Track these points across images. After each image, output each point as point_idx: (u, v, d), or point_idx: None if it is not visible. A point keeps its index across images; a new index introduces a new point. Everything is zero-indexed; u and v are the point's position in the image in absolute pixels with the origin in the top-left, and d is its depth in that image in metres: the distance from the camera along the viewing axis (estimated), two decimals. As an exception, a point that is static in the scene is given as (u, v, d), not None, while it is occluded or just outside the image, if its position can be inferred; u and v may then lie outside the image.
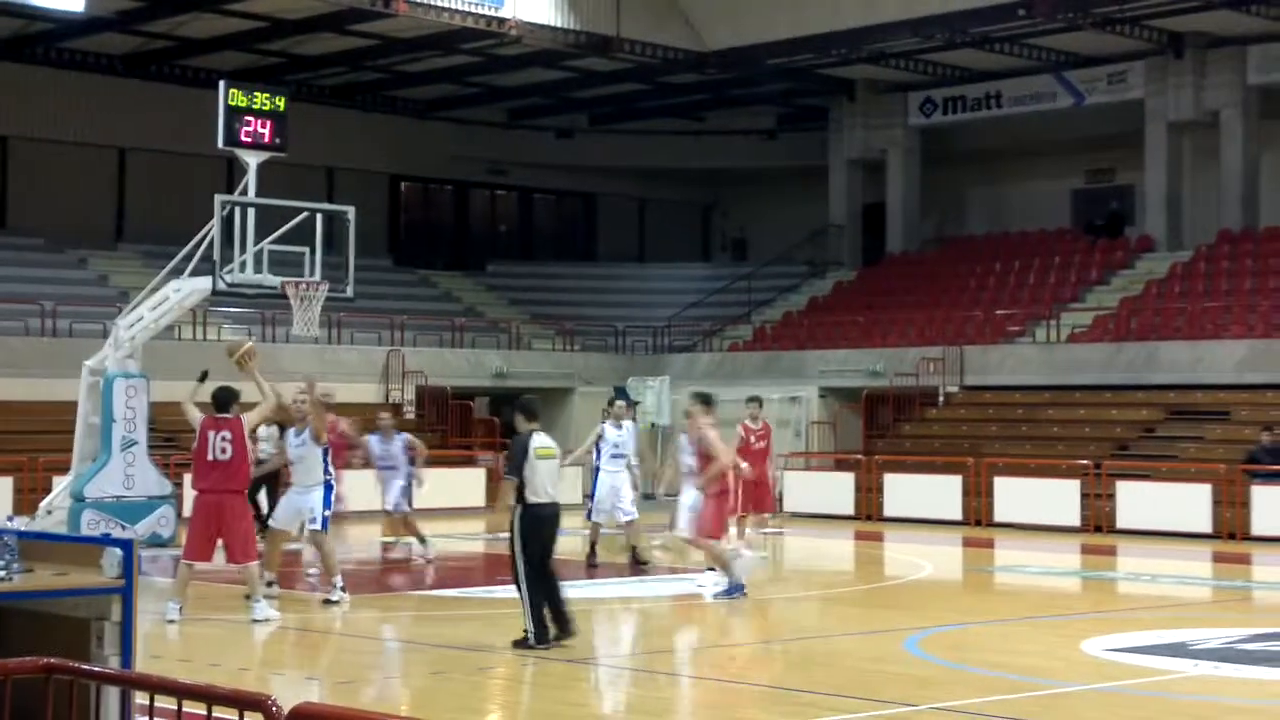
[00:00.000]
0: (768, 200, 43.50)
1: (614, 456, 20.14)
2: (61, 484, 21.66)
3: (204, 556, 15.00)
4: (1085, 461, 27.31)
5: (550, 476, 13.44)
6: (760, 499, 22.64)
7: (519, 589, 13.34)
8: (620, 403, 20.81)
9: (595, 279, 42.50)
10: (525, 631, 13.24)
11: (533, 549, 13.21)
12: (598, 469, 20.30)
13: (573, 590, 17.87)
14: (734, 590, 16.86)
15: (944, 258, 38.92)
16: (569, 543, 21.21)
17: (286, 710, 5.04)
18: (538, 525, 13.35)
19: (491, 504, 30.81)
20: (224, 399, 15.25)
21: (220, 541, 14.98)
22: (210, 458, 14.83)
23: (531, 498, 13.29)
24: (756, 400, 23.64)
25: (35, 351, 28.88)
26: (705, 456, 16.73)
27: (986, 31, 33.63)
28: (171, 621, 14.59)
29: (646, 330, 38.69)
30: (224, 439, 14.92)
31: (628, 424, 20.27)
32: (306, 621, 15.92)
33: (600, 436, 20.24)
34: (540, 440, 13.46)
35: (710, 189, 45.48)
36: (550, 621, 13.34)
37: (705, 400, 17.24)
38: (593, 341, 38.42)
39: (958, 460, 28.31)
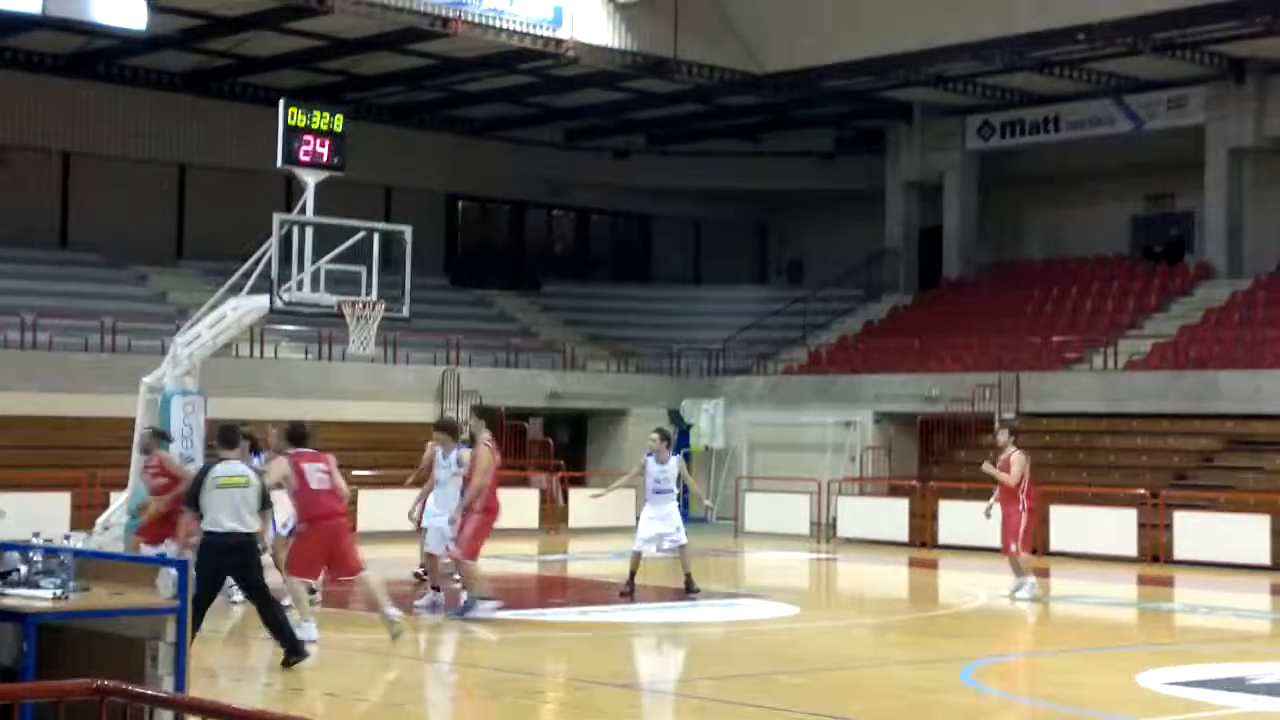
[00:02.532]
0: (824, 223, 43.40)
1: (656, 492, 19.83)
2: (118, 501, 21.72)
3: (314, 575, 15.92)
4: (1142, 491, 27.07)
5: (229, 507, 13.36)
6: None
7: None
8: (654, 438, 20.49)
9: (650, 300, 42.47)
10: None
11: (203, 577, 12.66)
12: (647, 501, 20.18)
13: (615, 616, 17.86)
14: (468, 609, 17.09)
15: (1001, 283, 38.71)
16: (616, 566, 21.16)
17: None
18: (210, 555, 13.38)
19: (546, 526, 30.91)
20: (298, 434, 15.93)
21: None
22: (315, 487, 15.25)
23: (209, 527, 13.43)
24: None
25: (94, 368, 29.05)
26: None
27: (1046, 55, 33.46)
28: (313, 641, 14.63)
29: (701, 352, 38.63)
30: (320, 470, 15.36)
31: (671, 459, 19.92)
32: (361, 643, 15.92)
33: (644, 469, 20.13)
34: (225, 470, 13.53)
35: (766, 211, 45.42)
36: (278, 643, 13.61)
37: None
38: (647, 363, 38.38)
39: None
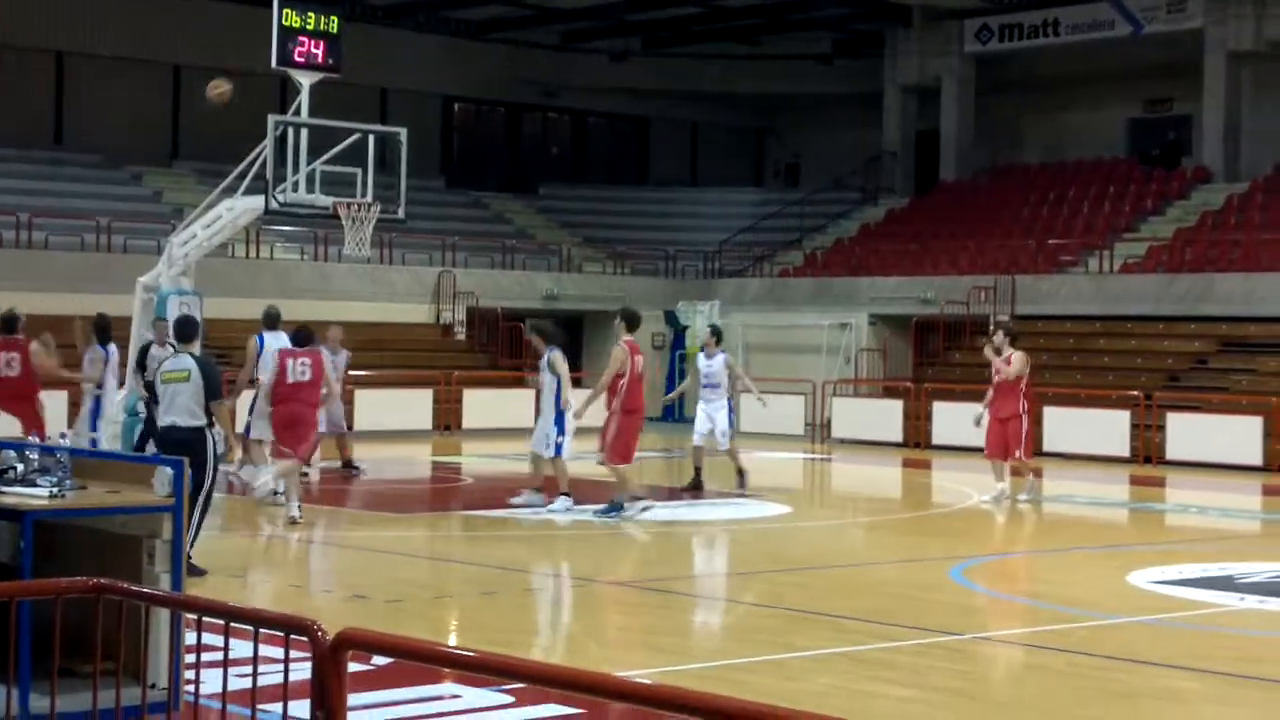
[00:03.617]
0: (822, 126, 43.26)
1: (706, 386, 20.32)
2: (116, 398, 21.78)
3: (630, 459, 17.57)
4: (1136, 393, 27.19)
5: (167, 400, 13.05)
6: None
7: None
8: (705, 332, 21.05)
9: (647, 203, 42.42)
10: None
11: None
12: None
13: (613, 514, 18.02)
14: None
15: (997, 186, 38.66)
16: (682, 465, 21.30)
17: (332, 634, 5.10)
18: (157, 447, 13.44)
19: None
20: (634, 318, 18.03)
21: None
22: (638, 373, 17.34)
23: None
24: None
25: (89, 267, 29.09)
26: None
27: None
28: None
29: (697, 255, 38.63)
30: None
31: (718, 355, 20.26)
32: (359, 540, 16.08)
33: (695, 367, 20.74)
34: (172, 364, 13.31)
35: (764, 114, 45.23)
36: None
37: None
38: (643, 265, 38.40)
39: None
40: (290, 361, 16.83)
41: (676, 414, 35.62)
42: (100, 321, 19.83)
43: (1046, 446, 26.94)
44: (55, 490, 8.30)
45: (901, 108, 40.26)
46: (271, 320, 19.28)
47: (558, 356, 17.91)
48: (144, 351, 18.49)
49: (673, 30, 41.43)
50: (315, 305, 29.69)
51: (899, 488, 25.14)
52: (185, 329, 13.57)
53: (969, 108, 39.38)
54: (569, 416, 17.68)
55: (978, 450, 27.32)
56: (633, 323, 17.95)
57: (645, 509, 17.55)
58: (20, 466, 8.59)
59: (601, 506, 17.47)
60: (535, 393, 19.86)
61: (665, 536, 17.22)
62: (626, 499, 17.41)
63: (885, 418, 29.90)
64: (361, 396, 28.21)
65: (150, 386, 14.25)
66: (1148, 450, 26.25)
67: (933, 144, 39.81)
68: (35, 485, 8.39)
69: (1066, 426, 27.08)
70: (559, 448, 17.71)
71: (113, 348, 19.91)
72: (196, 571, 12.02)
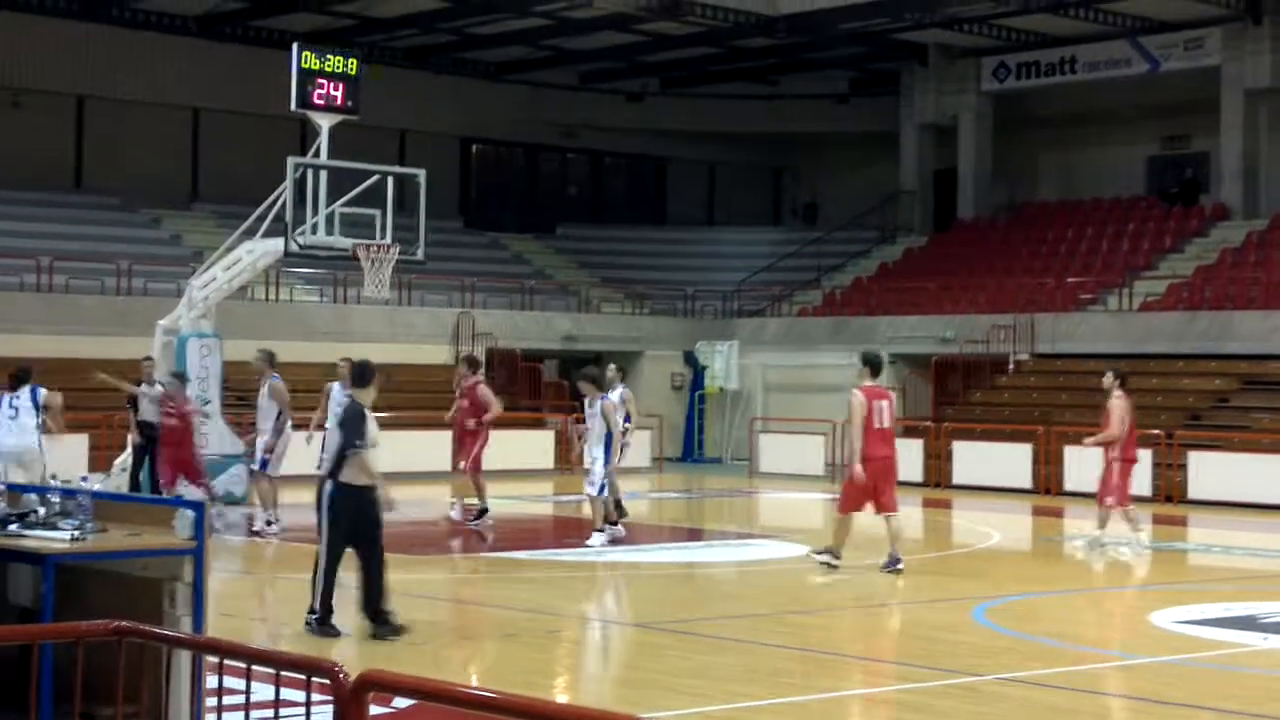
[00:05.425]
0: (839, 165, 43.31)
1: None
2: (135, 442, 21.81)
3: (859, 509, 16.63)
4: (1157, 431, 27.06)
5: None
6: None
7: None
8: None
9: (665, 243, 42.45)
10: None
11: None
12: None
13: (629, 556, 17.95)
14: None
15: (1016, 224, 38.64)
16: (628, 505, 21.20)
17: (354, 676, 5.08)
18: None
19: (560, 466, 31.03)
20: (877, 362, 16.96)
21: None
22: (877, 425, 16.13)
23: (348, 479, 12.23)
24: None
25: (109, 310, 29.16)
26: None
27: (1063, -4, 33.29)
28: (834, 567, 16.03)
29: (715, 295, 38.63)
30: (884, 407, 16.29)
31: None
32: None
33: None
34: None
35: (782, 153, 45.29)
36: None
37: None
38: (661, 305, 38.41)
39: (1028, 428, 28.14)
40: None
41: (696, 453, 35.63)
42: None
43: (1069, 486, 26.87)
44: (77, 534, 8.30)
45: (919, 146, 40.29)
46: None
47: (609, 405, 17.91)
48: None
49: (690, 71, 41.54)
50: (334, 347, 29.68)
51: (920, 528, 25.02)
52: (364, 374, 12.79)
53: (986, 146, 39.40)
54: (614, 460, 17.83)
55: (999, 490, 27.35)
56: (875, 367, 16.96)
57: (825, 561, 16.59)
58: (42, 510, 8.60)
59: (819, 549, 16.94)
60: (578, 436, 19.83)
61: (685, 578, 17.17)
62: (836, 549, 16.64)
63: (905, 457, 29.64)
64: (381, 438, 28.18)
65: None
66: (1169, 489, 26.13)
67: (950, 182, 39.82)
68: (57, 529, 8.39)
69: (1087, 465, 26.92)
70: (602, 487, 17.76)
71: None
72: (392, 629, 11.88)
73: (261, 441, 18.87)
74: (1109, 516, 19.13)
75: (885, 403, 16.51)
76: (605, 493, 17.99)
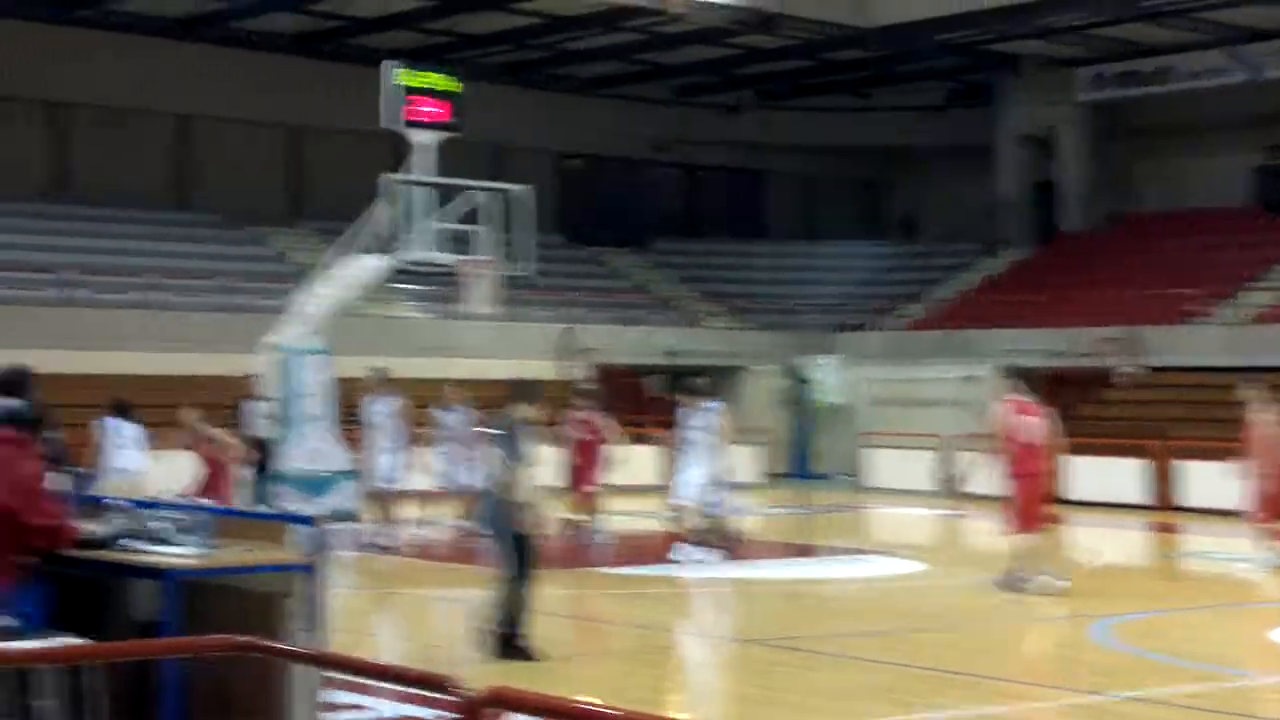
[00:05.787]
0: (935, 177, 42.95)
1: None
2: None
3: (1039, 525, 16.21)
4: (1272, 445, 26.55)
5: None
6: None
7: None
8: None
9: (764, 256, 42.24)
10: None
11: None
12: None
13: (742, 572, 17.79)
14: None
15: (1119, 236, 38.13)
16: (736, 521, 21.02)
17: (478, 692, 4.97)
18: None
19: (666, 482, 30.88)
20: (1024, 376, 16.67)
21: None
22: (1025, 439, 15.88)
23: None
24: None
25: (213, 327, 29.34)
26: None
27: (1157, 5, 32.80)
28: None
29: (817, 308, 38.39)
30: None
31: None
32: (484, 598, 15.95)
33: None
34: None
35: (879, 166, 44.97)
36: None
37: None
38: (763, 320, 38.22)
39: (1139, 443, 27.67)
40: None
41: (804, 468, 35.38)
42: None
43: (1181, 501, 26.42)
44: (197, 549, 8.28)
45: (1016, 158, 39.87)
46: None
47: (719, 415, 17.72)
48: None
49: (784, 83, 41.38)
50: (440, 363, 29.78)
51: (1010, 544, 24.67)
52: (527, 392, 12.57)
53: (1086, 156, 38.95)
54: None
55: (1111, 506, 26.92)
56: (1023, 381, 16.78)
57: (1026, 584, 15.98)
58: (162, 526, 8.57)
59: (999, 578, 16.31)
60: (673, 448, 19.49)
61: (799, 595, 17.00)
62: (1027, 573, 16.07)
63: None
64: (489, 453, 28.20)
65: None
66: (1284, 504, 25.58)
67: (1049, 193, 39.38)
68: (177, 544, 8.37)
69: (1202, 481, 26.46)
70: (716, 503, 17.60)
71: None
72: (524, 655, 11.61)
73: (386, 459, 18.87)
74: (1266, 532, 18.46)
75: (1034, 418, 16.07)
76: (716, 508, 17.69)
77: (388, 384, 19.21)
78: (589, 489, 20.54)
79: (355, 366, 25.65)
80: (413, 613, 15.49)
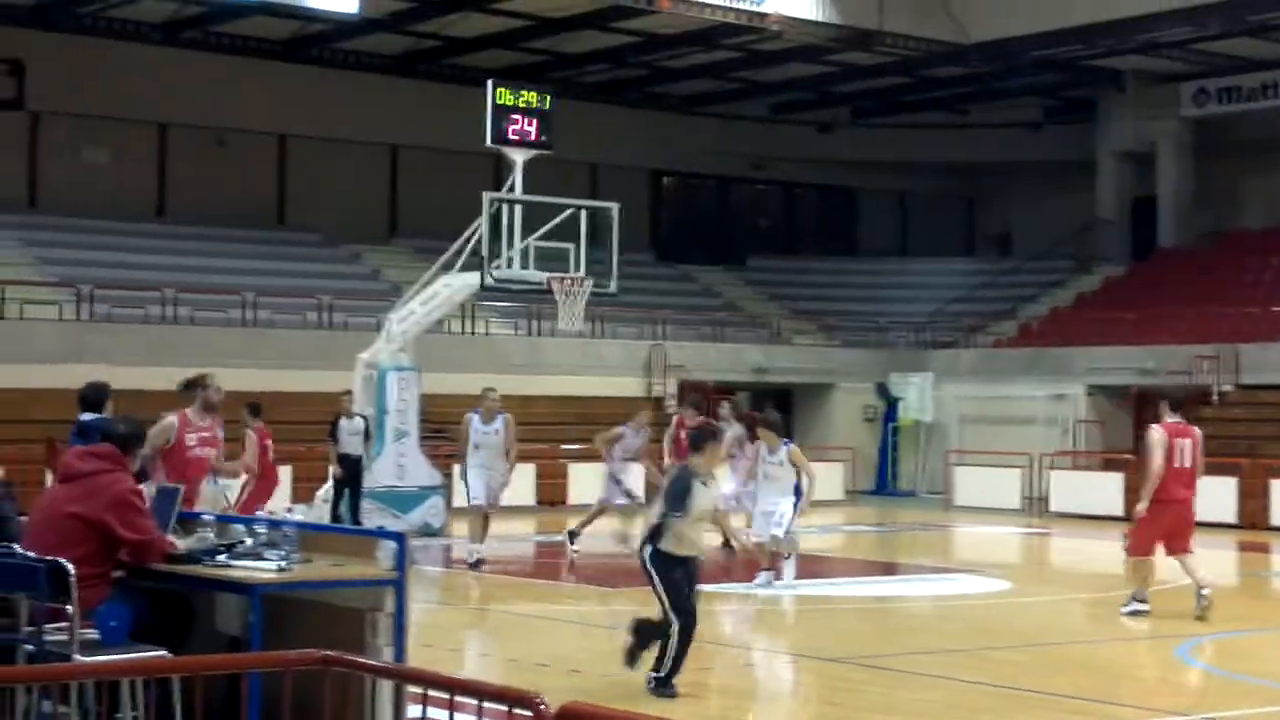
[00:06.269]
0: (1032, 194, 42.72)
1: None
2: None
3: (1152, 552, 15.68)
4: (1368, 464, 26.30)
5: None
6: None
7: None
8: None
9: (856, 274, 42.21)
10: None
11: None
12: None
13: (822, 589, 17.81)
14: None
15: (1218, 252, 37.78)
16: (825, 540, 21.02)
17: (555, 708, 5.10)
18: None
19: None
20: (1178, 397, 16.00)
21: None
22: (1178, 464, 15.32)
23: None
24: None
25: (311, 344, 29.75)
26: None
27: (1263, 20, 32.52)
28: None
29: (908, 326, 38.31)
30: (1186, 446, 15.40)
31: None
32: (571, 614, 16.13)
33: None
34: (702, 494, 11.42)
35: (973, 182, 44.83)
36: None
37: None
38: (853, 337, 38.19)
39: (1232, 461, 27.44)
40: None
41: (890, 485, 35.34)
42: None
43: (1275, 520, 26.17)
44: (283, 564, 8.48)
45: (1116, 173, 39.61)
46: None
47: (797, 451, 17.32)
48: None
49: (880, 100, 41.34)
50: (528, 380, 30.05)
51: (1120, 563, 24.52)
52: (701, 439, 11.72)
53: (1187, 172, 38.62)
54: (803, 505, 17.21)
55: (1204, 525, 26.59)
56: (1175, 402, 16.00)
57: (1135, 611, 15.71)
58: (249, 541, 8.79)
59: (1125, 604, 15.94)
60: (743, 478, 19.22)
61: (882, 612, 17.02)
62: (1140, 593, 15.78)
63: (1104, 490, 29.24)
64: (575, 470, 28.43)
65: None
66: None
67: (1149, 210, 39.07)
68: (263, 559, 8.58)
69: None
70: (790, 533, 17.28)
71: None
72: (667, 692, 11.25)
73: (500, 479, 18.94)
74: None
75: (1189, 441, 15.44)
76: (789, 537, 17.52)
77: (498, 404, 19.18)
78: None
79: (444, 383, 25.93)
80: (489, 629, 15.67)
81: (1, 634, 8.15)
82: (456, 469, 20.52)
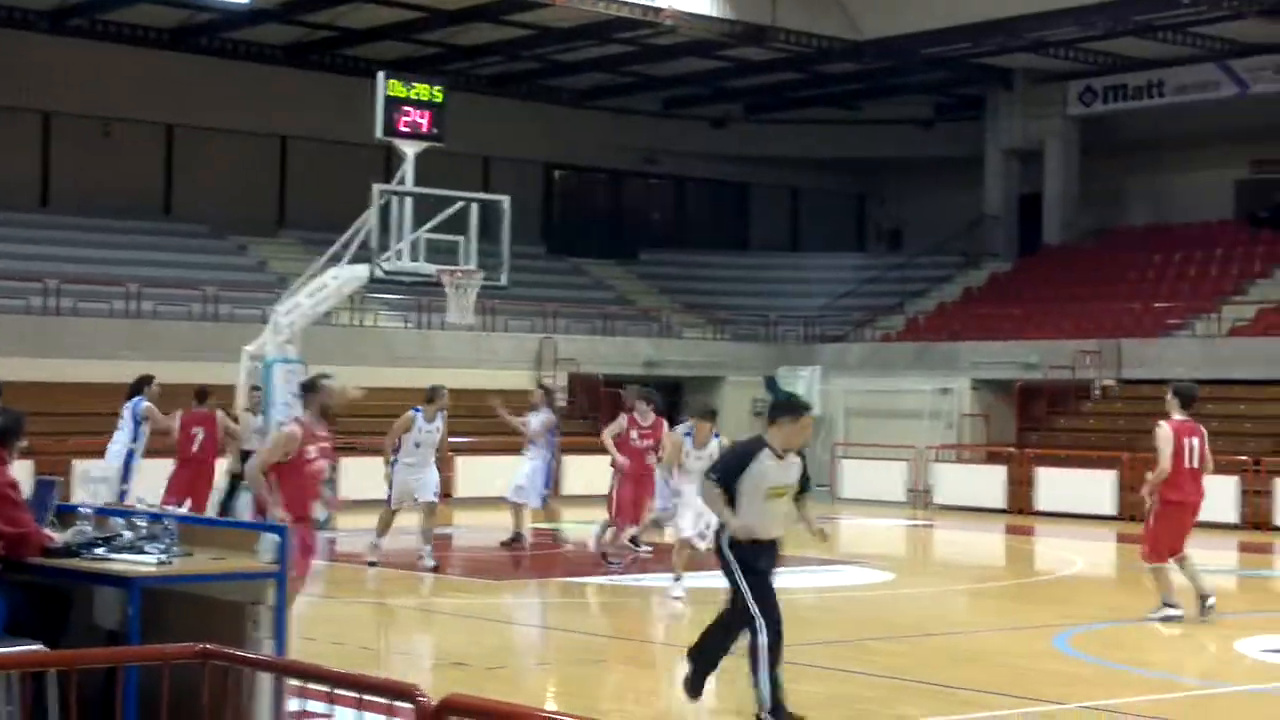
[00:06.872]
0: (923, 190, 43.14)
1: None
2: (221, 466, 22.03)
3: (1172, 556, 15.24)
4: (1245, 458, 26.78)
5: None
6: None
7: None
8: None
9: (747, 268, 42.42)
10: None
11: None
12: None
13: (707, 582, 17.89)
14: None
15: (1102, 249, 38.35)
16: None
17: (435, 700, 5.12)
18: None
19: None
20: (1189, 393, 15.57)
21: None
22: (1188, 464, 15.04)
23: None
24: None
25: (197, 336, 29.48)
26: None
27: (1149, 19, 33.01)
28: None
29: (798, 320, 38.56)
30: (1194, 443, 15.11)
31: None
32: (457, 607, 16.12)
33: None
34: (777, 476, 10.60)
35: (865, 178, 45.19)
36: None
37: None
38: (743, 331, 38.39)
39: (1112, 455, 27.89)
40: None
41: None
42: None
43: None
44: (162, 557, 8.42)
45: (1004, 171, 40.08)
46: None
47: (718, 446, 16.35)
48: None
49: (773, 96, 41.55)
50: (418, 373, 29.89)
51: (1002, 554, 24.88)
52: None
53: (1073, 170, 39.14)
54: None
55: (1083, 517, 27.11)
56: (1186, 398, 15.64)
57: (1167, 617, 15.32)
58: (128, 534, 8.72)
59: (1155, 610, 15.48)
60: (664, 476, 18.29)
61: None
62: (1169, 598, 15.39)
63: (988, 483, 29.64)
64: (463, 464, 28.38)
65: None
66: (1256, 516, 25.83)
67: (1035, 207, 39.57)
68: (143, 552, 8.51)
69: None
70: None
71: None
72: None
73: (436, 475, 18.74)
74: None
75: (1197, 439, 15.21)
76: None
77: (436, 403, 18.86)
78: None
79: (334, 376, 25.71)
80: (375, 622, 15.62)
81: (-127, 629, 8.03)
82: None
